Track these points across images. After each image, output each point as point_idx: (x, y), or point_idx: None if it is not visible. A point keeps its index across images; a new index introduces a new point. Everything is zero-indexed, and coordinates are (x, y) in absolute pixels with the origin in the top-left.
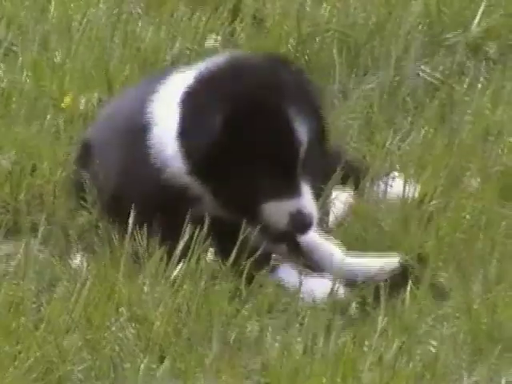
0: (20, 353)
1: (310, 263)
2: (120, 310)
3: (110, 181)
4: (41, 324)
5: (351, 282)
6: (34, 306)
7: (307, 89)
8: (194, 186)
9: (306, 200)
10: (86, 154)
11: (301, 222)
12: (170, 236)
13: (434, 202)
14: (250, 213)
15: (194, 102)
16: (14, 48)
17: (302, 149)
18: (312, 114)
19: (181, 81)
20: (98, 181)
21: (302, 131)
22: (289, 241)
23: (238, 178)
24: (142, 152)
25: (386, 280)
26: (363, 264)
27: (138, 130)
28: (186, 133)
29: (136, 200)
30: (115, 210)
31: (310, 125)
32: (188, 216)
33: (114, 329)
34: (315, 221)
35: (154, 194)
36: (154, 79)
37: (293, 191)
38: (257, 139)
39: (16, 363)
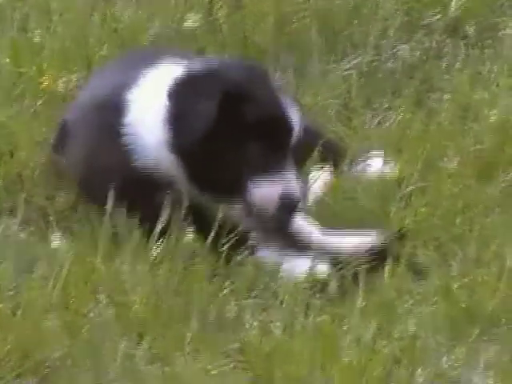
0: None
1: (289, 242)
2: (98, 292)
3: (86, 163)
4: (19, 309)
5: (331, 259)
6: (11, 291)
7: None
8: (175, 169)
9: (293, 183)
10: (64, 136)
11: (290, 205)
12: (148, 217)
13: (411, 185)
14: (236, 195)
15: (187, 90)
16: None
17: (294, 134)
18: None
19: (164, 72)
20: (75, 162)
21: (293, 118)
22: (274, 222)
23: (227, 159)
24: (121, 135)
25: (364, 257)
26: (342, 241)
27: (113, 115)
28: (180, 116)
29: (113, 181)
30: (92, 191)
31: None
32: (165, 197)
33: (92, 311)
34: (301, 203)
35: (130, 176)
36: (130, 64)
37: (283, 174)
38: (252, 121)
39: None
